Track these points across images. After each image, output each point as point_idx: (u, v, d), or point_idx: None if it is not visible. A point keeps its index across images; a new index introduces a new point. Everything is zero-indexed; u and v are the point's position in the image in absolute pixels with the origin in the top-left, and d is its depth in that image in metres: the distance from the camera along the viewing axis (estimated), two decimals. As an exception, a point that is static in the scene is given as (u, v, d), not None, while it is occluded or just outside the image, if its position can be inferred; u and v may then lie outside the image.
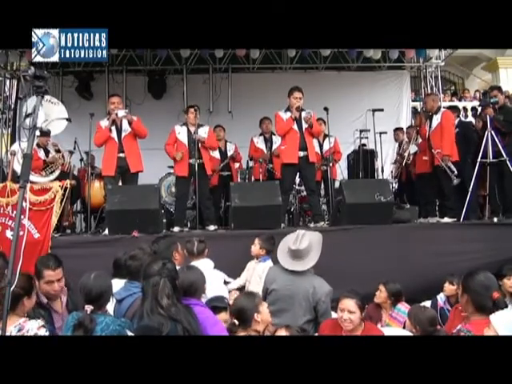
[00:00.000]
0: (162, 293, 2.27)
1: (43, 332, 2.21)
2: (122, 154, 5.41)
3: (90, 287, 2.42)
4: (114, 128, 5.44)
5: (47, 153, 5.95)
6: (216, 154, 6.65)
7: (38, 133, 2.15)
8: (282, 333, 2.50)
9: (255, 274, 3.94)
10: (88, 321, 2.29)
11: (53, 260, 2.85)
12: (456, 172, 5.30)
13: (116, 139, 5.43)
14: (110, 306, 2.74)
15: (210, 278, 3.70)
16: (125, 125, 5.47)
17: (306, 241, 3.34)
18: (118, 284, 3.02)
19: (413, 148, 6.32)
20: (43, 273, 2.75)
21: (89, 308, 2.35)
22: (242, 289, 4.09)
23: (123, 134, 5.45)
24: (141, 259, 2.94)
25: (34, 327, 2.19)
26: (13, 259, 2.03)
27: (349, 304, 2.75)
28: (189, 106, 5.93)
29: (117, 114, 5.36)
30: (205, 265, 3.79)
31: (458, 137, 5.72)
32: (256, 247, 4.07)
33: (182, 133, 5.67)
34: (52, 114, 5.34)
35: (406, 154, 6.54)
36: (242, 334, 2.57)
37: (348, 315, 2.74)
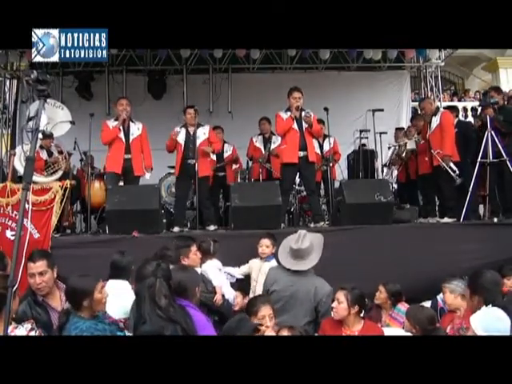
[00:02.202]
0: (160, 293, 2.23)
1: (33, 335, 2.18)
2: (128, 156, 5.52)
3: (68, 286, 2.42)
4: (121, 128, 5.56)
5: (50, 154, 5.97)
6: (213, 155, 6.65)
7: (40, 136, 2.14)
8: (285, 333, 2.50)
9: (262, 273, 3.93)
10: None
11: (36, 253, 2.84)
12: (458, 172, 5.30)
13: (123, 140, 5.54)
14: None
15: (221, 277, 3.74)
16: (133, 128, 5.60)
17: (308, 241, 3.35)
18: (115, 285, 3.02)
19: (410, 144, 6.31)
20: (27, 265, 2.76)
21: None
22: (243, 280, 4.11)
23: (131, 137, 5.57)
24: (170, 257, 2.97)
25: (23, 334, 2.15)
26: (15, 260, 2.03)
27: (338, 294, 2.91)
28: (187, 107, 5.94)
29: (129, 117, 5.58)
30: (217, 265, 3.84)
31: (458, 137, 5.72)
32: (269, 248, 4.03)
33: (180, 134, 5.69)
34: (57, 117, 5.42)
35: (404, 155, 6.55)
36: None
37: (335, 304, 2.90)
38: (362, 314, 3.10)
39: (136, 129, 5.60)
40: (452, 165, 5.35)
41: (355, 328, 2.87)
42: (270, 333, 2.61)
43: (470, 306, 2.44)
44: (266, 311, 2.75)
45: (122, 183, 5.63)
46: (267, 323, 2.70)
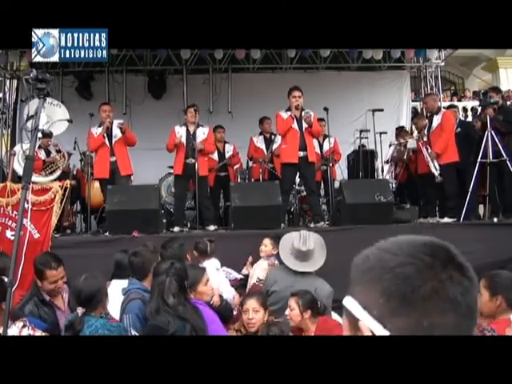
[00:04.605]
0: (168, 292, 2.30)
1: (26, 332, 2.17)
2: (112, 158, 5.62)
3: (80, 289, 2.35)
4: (105, 135, 5.66)
5: (48, 153, 5.98)
6: (214, 155, 6.64)
7: (40, 135, 2.14)
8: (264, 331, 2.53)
9: (257, 268, 3.92)
10: (77, 322, 2.24)
11: (53, 260, 2.83)
12: (439, 171, 5.32)
13: (108, 144, 5.64)
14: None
15: (220, 276, 3.74)
16: (115, 131, 5.66)
17: (313, 241, 3.34)
18: (118, 284, 3.02)
19: (411, 143, 6.31)
20: (46, 274, 2.74)
21: (79, 310, 2.29)
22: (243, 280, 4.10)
23: (114, 140, 5.66)
24: (143, 256, 2.94)
25: (15, 333, 2.12)
26: (15, 260, 2.02)
27: (290, 301, 2.77)
28: (188, 106, 5.98)
29: (112, 122, 5.63)
30: (215, 264, 3.83)
31: (460, 137, 5.72)
32: (268, 247, 4.01)
33: (180, 132, 5.70)
34: (54, 115, 5.46)
35: (405, 157, 6.55)
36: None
37: (288, 311, 2.74)
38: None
39: (118, 130, 5.64)
40: (435, 162, 5.36)
41: (311, 331, 2.80)
42: (252, 329, 2.69)
43: (490, 306, 2.39)
44: (249, 304, 2.77)
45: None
46: (249, 316, 2.74)
